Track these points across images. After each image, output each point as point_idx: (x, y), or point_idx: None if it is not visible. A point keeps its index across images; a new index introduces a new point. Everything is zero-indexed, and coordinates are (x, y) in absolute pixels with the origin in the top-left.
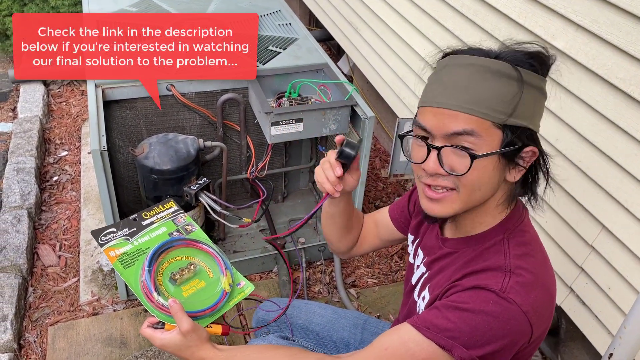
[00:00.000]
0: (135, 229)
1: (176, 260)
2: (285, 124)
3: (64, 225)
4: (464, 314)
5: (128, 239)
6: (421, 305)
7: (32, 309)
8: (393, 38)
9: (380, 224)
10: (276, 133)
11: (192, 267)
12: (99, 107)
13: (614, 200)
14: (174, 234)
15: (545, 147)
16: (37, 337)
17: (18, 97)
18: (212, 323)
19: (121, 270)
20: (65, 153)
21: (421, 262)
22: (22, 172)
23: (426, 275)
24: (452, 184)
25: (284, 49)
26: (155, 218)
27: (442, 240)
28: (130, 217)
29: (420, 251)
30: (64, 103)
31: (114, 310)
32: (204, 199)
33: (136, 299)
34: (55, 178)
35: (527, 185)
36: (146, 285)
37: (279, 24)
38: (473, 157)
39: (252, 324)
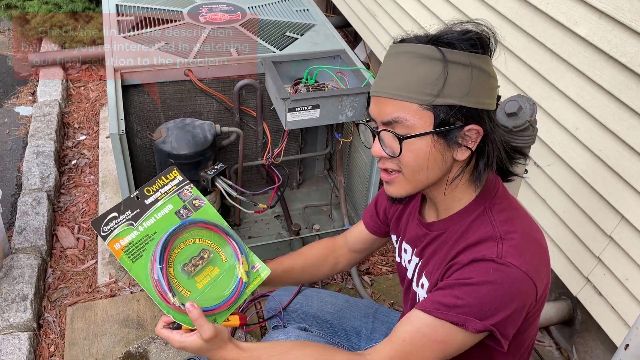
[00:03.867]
0: (138, 210)
1: (186, 245)
2: (302, 110)
3: (82, 208)
4: (469, 289)
5: (132, 224)
6: (421, 293)
7: (51, 289)
8: (411, 24)
9: (357, 238)
10: (292, 119)
11: (205, 256)
12: (118, 90)
13: (634, 190)
14: (182, 212)
15: (564, 135)
16: (56, 317)
17: (37, 81)
18: (229, 316)
19: (129, 265)
20: (83, 137)
21: (411, 256)
22: (42, 156)
23: (419, 264)
24: (396, 166)
25: (301, 35)
26: (159, 194)
27: (427, 225)
28: (132, 196)
29: (406, 246)
30: (83, 87)
31: (131, 293)
32: (221, 184)
33: None
34: (74, 162)
35: (479, 165)
36: (159, 285)
37: (297, 10)
38: (400, 138)
39: (264, 313)
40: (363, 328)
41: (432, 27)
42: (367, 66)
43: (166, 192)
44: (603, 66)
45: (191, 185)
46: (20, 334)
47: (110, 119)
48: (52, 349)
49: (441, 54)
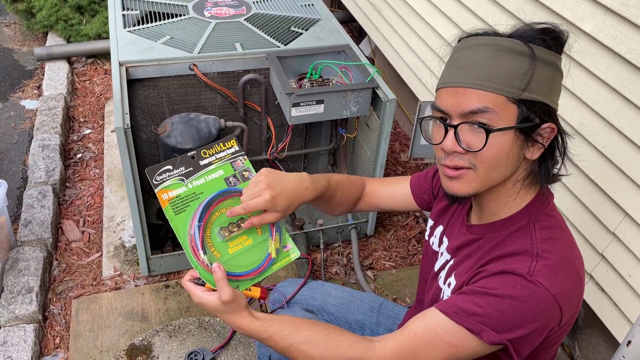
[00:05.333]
0: (191, 168)
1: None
2: (306, 105)
3: (87, 201)
4: (492, 299)
5: (183, 180)
6: (446, 292)
7: (56, 282)
8: (416, 20)
9: (394, 194)
10: (297, 114)
11: (242, 225)
12: (123, 85)
13: (638, 187)
14: (230, 179)
15: (568, 131)
16: (61, 310)
17: (43, 75)
18: (251, 286)
19: (171, 216)
20: (88, 131)
21: (445, 249)
22: (47, 149)
23: (451, 262)
24: (468, 164)
25: (305, 30)
26: (213, 158)
27: (468, 227)
28: (189, 154)
29: (445, 239)
30: (88, 82)
31: (136, 286)
32: None
33: (157, 276)
34: (79, 155)
35: (545, 164)
36: (194, 240)
37: (302, 5)
38: (488, 131)
39: (269, 305)
40: (367, 322)
41: (436, 22)
42: (372, 61)
43: (221, 158)
44: (608, 63)
45: (245, 157)
46: (25, 326)
47: (116, 113)
48: (57, 340)
49: (529, 49)
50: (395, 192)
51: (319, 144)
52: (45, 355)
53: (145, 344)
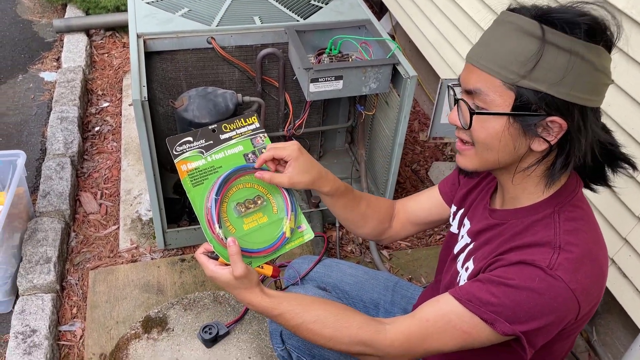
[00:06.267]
0: (212, 141)
1: (245, 187)
2: (325, 81)
3: (105, 174)
4: (508, 290)
5: (202, 153)
6: (463, 276)
7: (74, 253)
8: None
9: (424, 204)
10: (315, 90)
11: (258, 201)
12: (141, 57)
13: None
14: (249, 156)
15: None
16: (78, 280)
17: (62, 47)
18: (264, 264)
19: (189, 187)
20: (106, 104)
21: (466, 232)
22: (66, 121)
23: (471, 246)
24: (469, 138)
25: (325, 4)
26: (234, 133)
27: (490, 211)
28: (210, 127)
29: (467, 221)
30: (106, 55)
31: (152, 259)
32: None
33: (173, 249)
34: (97, 128)
35: (563, 159)
36: (210, 213)
37: None
38: (472, 112)
39: (284, 281)
40: (382, 301)
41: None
42: (393, 37)
43: (241, 133)
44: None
45: (265, 134)
46: (43, 295)
47: (133, 85)
48: (74, 310)
49: (541, 31)
50: (425, 201)
51: (336, 121)
52: (63, 325)
53: (161, 316)
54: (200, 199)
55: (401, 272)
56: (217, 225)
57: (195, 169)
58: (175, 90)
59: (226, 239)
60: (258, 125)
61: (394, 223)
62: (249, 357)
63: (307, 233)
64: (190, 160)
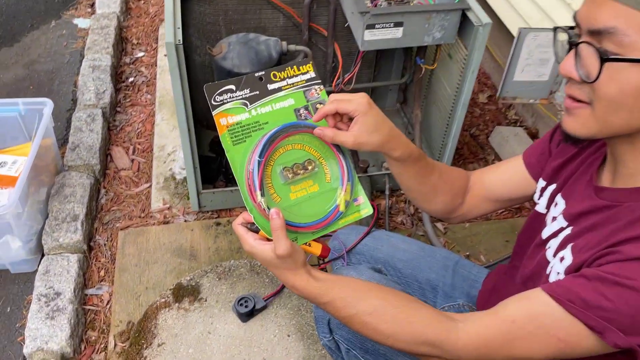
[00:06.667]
0: (257, 92)
1: (294, 149)
2: (382, 27)
3: (137, 128)
4: (625, 292)
5: (246, 105)
6: (556, 267)
7: (103, 211)
8: None
9: (504, 176)
10: (370, 38)
11: (309, 167)
12: None
13: None
14: (301, 111)
15: None
16: (107, 240)
17: None
18: (312, 240)
19: (228, 145)
20: (141, 54)
21: (559, 214)
22: (98, 70)
23: (568, 231)
24: (586, 97)
25: None
26: (284, 83)
27: (597, 189)
28: (256, 74)
29: (560, 199)
30: (142, 1)
31: (185, 221)
32: None
33: (208, 212)
34: (130, 79)
35: None
36: (252, 178)
37: None
38: (604, 58)
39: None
40: (440, 282)
41: None
42: None
43: (293, 84)
44: None
45: (321, 86)
46: (69, 255)
47: (167, 27)
48: (102, 273)
49: None
50: (506, 173)
51: (389, 77)
52: (89, 288)
53: (193, 284)
54: (241, 159)
55: (458, 247)
56: (259, 193)
57: (237, 123)
58: (213, 36)
59: (269, 209)
60: (314, 74)
61: (467, 198)
62: (288, 335)
63: (365, 207)
64: (231, 112)
